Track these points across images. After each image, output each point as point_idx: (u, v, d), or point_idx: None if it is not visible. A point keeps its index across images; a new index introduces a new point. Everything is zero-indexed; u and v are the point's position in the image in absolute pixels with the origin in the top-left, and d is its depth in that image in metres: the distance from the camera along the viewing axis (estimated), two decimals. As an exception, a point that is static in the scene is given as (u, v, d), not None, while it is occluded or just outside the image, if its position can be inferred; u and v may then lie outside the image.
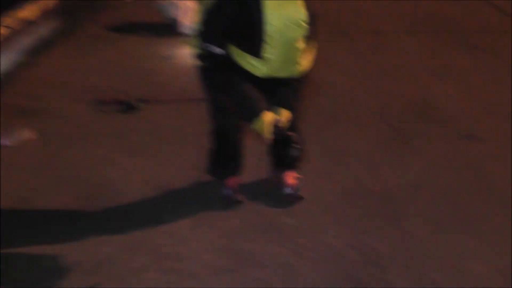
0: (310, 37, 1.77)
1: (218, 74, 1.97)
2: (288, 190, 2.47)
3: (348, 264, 2.14)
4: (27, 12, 5.28)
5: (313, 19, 1.88)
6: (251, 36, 1.67)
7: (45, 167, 2.83)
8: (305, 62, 1.79)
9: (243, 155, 2.47)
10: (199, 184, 2.65)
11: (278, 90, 2.05)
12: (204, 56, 1.95)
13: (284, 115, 2.02)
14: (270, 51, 1.69)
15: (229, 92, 2.01)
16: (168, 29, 4.78)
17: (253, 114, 1.95)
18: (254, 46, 1.70)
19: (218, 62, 1.87)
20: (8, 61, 4.31)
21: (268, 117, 1.95)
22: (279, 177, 2.50)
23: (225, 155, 2.39)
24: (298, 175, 2.52)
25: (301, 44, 1.69)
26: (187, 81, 3.82)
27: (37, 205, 2.53)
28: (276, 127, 1.95)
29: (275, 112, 2.01)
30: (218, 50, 1.81)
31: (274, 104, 2.04)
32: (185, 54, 4.35)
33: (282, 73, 1.79)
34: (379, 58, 4.24)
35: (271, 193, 2.54)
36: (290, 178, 2.47)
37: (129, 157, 2.90)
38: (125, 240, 2.26)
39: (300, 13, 1.66)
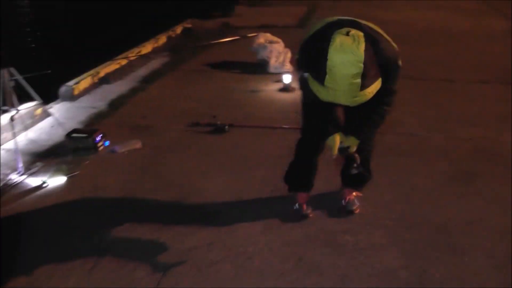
0: (372, 76, 1.93)
1: (306, 97, 2.21)
2: (343, 203, 2.65)
3: (400, 283, 2.16)
4: (144, 48, 6.04)
5: (388, 62, 2.07)
6: (319, 68, 1.90)
7: (146, 171, 3.21)
8: (365, 95, 1.94)
9: (315, 174, 2.64)
10: (271, 197, 2.84)
11: (356, 119, 2.28)
12: (300, 81, 2.21)
13: (353, 141, 2.20)
14: (329, 80, 1.89)
15: (313, 113, 2.30)
16: (258, 68, 5.16)
17: (327, 133, 2.21)
18: (319, 75, 1.90)
19: (306, 88, 2.10)
20: (126, 86, 4.96)
21: (336, 138, 2.17)
22: (342, 192, 2.65)
23: (302, 169, 2.59)
24: (358, 194, 2.63)
25: (357, 79, 1.86)
26: (268, 112, 4.12)
27: (136, 201, 2.88)
28: (342, 148, 2.13)
29: (346, 137, 2.19)
30: (306, 75, 2.07)
31: (350, 130, 2.26)
32: (270, 89, 4.68)
33: (341, 100, 1.98)
34: (450, 103, 4.19)
35: (336, 209, 2.66)
36: (350, 194, 2.63)
37: (215, 170, 3.19)
38: (205, 237, 2.50)
39: (357, 55, 1.84)
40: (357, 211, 2.64)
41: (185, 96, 4.59)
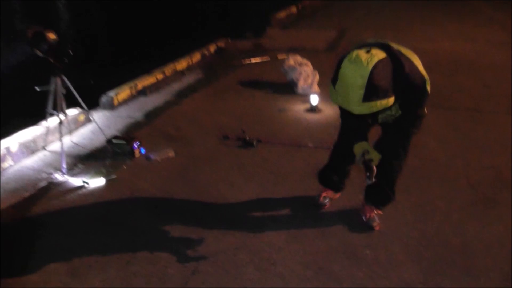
0: (379, 92, 2.11)
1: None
2: (364, 219, 2.81)
3: (417, 297, 2.26)
4: (179, 64, 6.36)
5: (412, 86, 2.25)
6: (335, 74, 2.22)
7: (178, 178, 3.43)
8: (370, 106, 2.12)
9: (344, 179, 2.93)
10: (295, 209, 3.00)
11: (384, 136, 2.57)
12: None
13: (375, 155, 2.36)
14: (339, 85, 2.19)
15: (344, 120, 2.62)
16: (287, 88, 5.37)
17: (354, 140, 2.47)
18: (334, 80, 2.24)
19: None
20: (161, 99, 5.25)
21: (360, 146, 2.44)
22: (363, 208, 2.81)
23: (333, 169, 2.90)
24: (379, 212, 2.76)
25: (360, 90, 2.06)
26: (295, 131, 4.30)
27: (168, 205, 3.09)
28: (365, 159, 2.39)
29: (372, 150, 2.43)
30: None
31: (376, 145, 2.51)
32: (297, 110, 4.87)
33: (345, 105, 2.23)
34: (475, 132, 4.26)
35: (357, 224, 2.79)
36: (371, 211, 2.78)
37: (243, 181, 3.37)
38: (231, 242, 2.67)
39: (363, 69, 2.06)
40: (377, 228, 2.77)
41: (217, 111, 4.83)
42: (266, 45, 7.93)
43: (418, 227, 2.82)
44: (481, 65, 6.50)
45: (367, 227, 2.77)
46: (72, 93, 3.67)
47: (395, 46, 2.31)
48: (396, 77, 2.15)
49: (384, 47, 2.23)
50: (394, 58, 2.19)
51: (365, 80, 2.05)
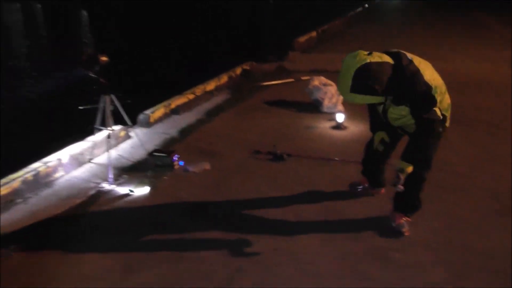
0: (367, 88, 2.46)
1: None
2: (393, 225, 3.02)
3: (446, 295, 2.43)
4: (208, 85, 6.73)
5: (414, 90, 2.56)
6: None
7: (214, 188, 3.69)
8: (354, 97, 2.50)
9: (378, 173, 3.37)
10: (328, 215, 3.23)
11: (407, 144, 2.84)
12: None
13: (403, 164, 2.69)
14: (339, 75, 2.59)
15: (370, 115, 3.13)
16: (312, 107, 5.64)
17: (373, 130, 3.08)
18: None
19: None
20: (193, 117, 5.58)
21: (378, 135, 3.00)
22: (393, 215, 3.03)
23: (366, 161, 3.37)
24: (407, 219, 2.96)
25: (348, 81, 2.44)
26: (322, 146, 4.54)
27: (207, 211, 3.34)
28: (397, 168, 2.69)
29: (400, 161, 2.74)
30: None
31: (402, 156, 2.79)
32: (323, 127, 5.12)
33: (340, 92, 2.72)
34: (494, 146, 4.43)
35: (387, 230, 2.99)
36: (399, 217, 3.00)
37: (276, 191, 3.62)
38: (270, 244, 2.90)
39: (352, 65, 2.43)
40: (407, 233, 2.96)
41: (246, 128, 5.12)
42: (289, 68, 8.28)
43: (445, 234, 3.00)
44: (498, 84, 6.68)
45: (397, 232, 2.96)
46: (123, 111, 4.01)
47: (409, 55, 2.61)
48: (394, 81, 2.43)
49: (396, 56, 2.53)
50: (399, 66, 2.49)
51: (351, 74, 2.40)
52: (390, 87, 2.44)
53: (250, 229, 3.07)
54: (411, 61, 2.58)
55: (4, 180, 3.50)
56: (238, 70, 7.80)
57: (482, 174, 3.84)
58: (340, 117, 5.04)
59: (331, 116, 5.26)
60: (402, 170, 2.64)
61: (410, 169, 2.66)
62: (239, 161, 4.22)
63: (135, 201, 3.50)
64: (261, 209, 3.34)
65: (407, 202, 2.96)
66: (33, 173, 3.67)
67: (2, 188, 3.41)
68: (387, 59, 2.48)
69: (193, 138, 4.89)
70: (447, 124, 2.81)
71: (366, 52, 2.47)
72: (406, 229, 2.97)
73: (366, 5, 25.34)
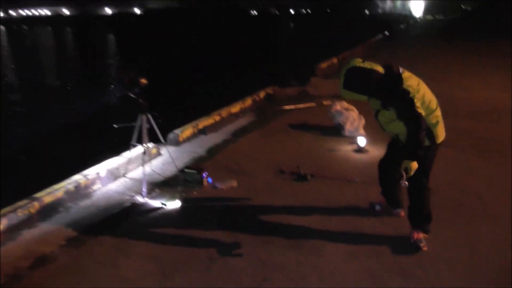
0: (356, 87, 2.91)
1: None
2: (412, 241, 3.20)
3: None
4: (233, 108, 7.03)
5: (389, 93, 2.90)
6: None
7: (242, 204, 3.90)
8: (345, 93, 2.91)
9: (393, 193, 3.54)
10: (351, 233, 3.38)
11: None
12: None
13: (406, 163, 2.88)
14: None
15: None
16: (334, 131, 5.85)
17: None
18: None
19: None
20: (220, 137, 5.85)
21: (404, 163, 2.95)
22: (411, 232, 3.22)
23: (381, 180, 3.57)
24: (424, 235, 3.12)
25: (342, 79, 2.89)
26: (344, 168, 4.72)
27: (235, 225, 3.54)
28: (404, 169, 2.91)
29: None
30: None
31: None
32: (345, 150, 5.31)
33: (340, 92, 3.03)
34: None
35: (408, 246, 3.14)
36: (417, 233, 3.20)
37: (300, 208, 3.81)
38: (294, 256, 3.07)
39: (346, 67, 2.92)
40: (425, 248, 3.10)
41: (270, 149, 5.35)
42: (311, 93, 8.56)
43: (464, 251, 3.12)
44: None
45: (415, 248, 3.10)
46: (157, 129, 4.30)
47: (401, 69, 2.99)
48: (378, 84, 2.87)
49: (387, 66, 2.95)
50: (387, 74, 2.90)
51: (344, 72, 2.88)
52: (373, 89, 2.90)
53: (276, 242, 3.25)
54: (399, 73, 2.96)
55: (48, 190, 3.81)
56: (262, 94, 8.11)
57: (504, 198, 3.94)
58: (361, 141, 5.22)
59: (352, 140, 5.45)
60: (407, 169, 2.85)
61: (414, 165, 2.85)
62: (264, 179, 4.43)
63: (167, 213, 3.74)
64: (286, 224, 3.52)
65: (418, 215, 3.17)
66: (74, 184, 3.97)
67: (46, 197, 3.71)
68: (377, 67, 2.90)
69: (220, 157, 5.15)
70: (438, 141, 3.05)
71: (361, 60, 2.94)
72: (424, 244, 3.13)
73: (387, 32, 25.78)
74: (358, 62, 2.90)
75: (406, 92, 2.87)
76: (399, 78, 2.92)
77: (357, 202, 3.86)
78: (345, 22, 48.24)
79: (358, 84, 2.88)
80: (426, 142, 2.92)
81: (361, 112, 5.99)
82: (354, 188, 4.22)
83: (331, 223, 3.54)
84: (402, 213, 3.54)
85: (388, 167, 3.41)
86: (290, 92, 8.61)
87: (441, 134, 3.05)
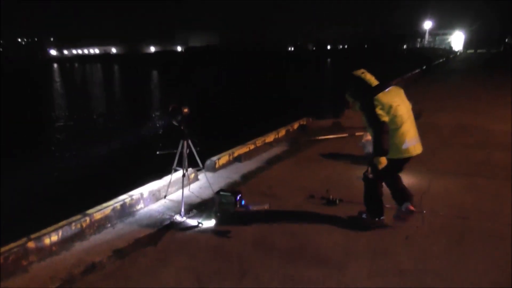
0: (350, 92, 3.79)
1: None
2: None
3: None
4: (267, 138, 7.37)
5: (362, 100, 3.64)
6: None
7: (273, 225, 4.14)
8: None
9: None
10: (374, 254, 3.53)
11: None
12: None
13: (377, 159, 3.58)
14: None
15: None
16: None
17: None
18: None
19: None
20: (254, 165, 6.17)
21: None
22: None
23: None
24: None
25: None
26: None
27: (266, 244, 3.77)
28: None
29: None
30: None
31: None
32: (375, 177, 5.46)
33: None
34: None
35: (430, 268, 3.24)
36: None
37: (329, 230, 4.00)
38: (321, 273, 3.26)
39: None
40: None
41: (302, 176, 5.60)
42: (343, 124, 8.79)
43: (491, 277, 3.19)
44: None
45: (442, 272, 3.20)
46: (196, 155, 4.69)
47: (391, 86, 3.65)
48: (357, 90, 3.65)
49: (382, 82, 3.66)
50: (377, 86, 3.58)
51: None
52: (353, 93, 3.71)
53: (303, 259, 3.46)
54: (381, 87, 3.60)
55: (98, 207, 4.23)
56: (296, 125, 8.44)
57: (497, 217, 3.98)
58: (391, 169, 5.36)
59: (382, 168, 5.60)
60: (376, 163, 3.53)
61: (383, 159, 3.49)
62: (295, 203, 4.67)
63: (203, 231, 4.04)
64: (313, 243, 3.72)
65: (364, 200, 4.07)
66: (121, 203, 4.38)
67: (96, 214, 4.13)
68: (370, 79, 3.64)
69: (254, 182, 5.45)
70: (404, 155, 3.66)
71: (362, 71, 3.68)
72: (365, 217, 4.07)
73: (425, 67, 25.72)
74: (357, 72, 3.66)
75: (371, 101, 3.48)
76: (376, 91, 3.54)
77: (383, 226, 4.00)
78: (382, 57, 48.46)
79: (348, 87, 3.68)
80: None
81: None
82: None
83: (356, 243, 3.71)
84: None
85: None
86: (324, 124, 8.88)
87: (405, 151, 3.64)
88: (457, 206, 4.47)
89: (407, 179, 5.16)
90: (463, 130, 8.13)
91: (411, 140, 3.63)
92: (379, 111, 3.44)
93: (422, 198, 4.66)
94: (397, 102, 3.56)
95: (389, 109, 3.48)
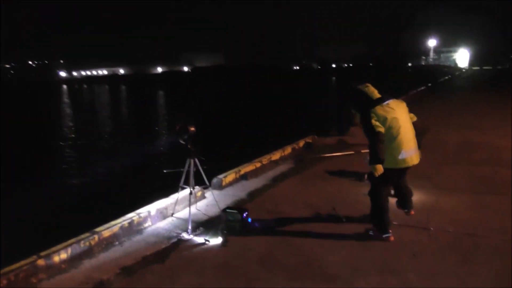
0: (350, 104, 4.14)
1: None
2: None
3: None
4: (273, 155, 7.41)
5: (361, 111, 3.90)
6: None
7: (280, 242, 4.15)
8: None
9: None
10: (381, 271, 3.52)
11: None
12: None
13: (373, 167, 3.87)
14: None
15: None
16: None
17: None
18: None
19: None
20: (260, 182, 6.21)
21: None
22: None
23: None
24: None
25: None
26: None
27: (274, 259, 3.78)
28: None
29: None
30: None
31: None
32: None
33: None
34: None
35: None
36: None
37: (334, 246, 4.00)
38: (330, 285, 3.25)
39: None
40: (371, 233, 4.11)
41: (308, 193, 5.62)
42: (349, 141, 8.82)
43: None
44: None
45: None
46: (203, 173, 4.75)
47: (390, 100, 3.90)
48: (357, 102, 3.93)
49: (383, 95, 3.93)
50: (377, 99, 3.85)
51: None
52: (354, 104, 4.01)
53: (310, 276, 3.46)
54: (381, 100, 3.87)
55: (107, 225, 4.27)
56: (301, 143, 8.48)
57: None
58: (397, 186, 5.37)
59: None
60: (373, 170, 3.81)
61: (379, 167, 3.76)
62: (301, 220, 4.68)
63: (210, 248, 4.06)
64: (320, 260, 3.72)
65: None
66: (128, 221, 4.42)
67: (105, 231, 4.17)
68: (373, 93, 3.93)
69: (260, 199, 5.47)
70: (400, 165, 3.92)
71: (366, 84, 3.97)
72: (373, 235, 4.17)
73: (430, 84, 25.82)
74: (361, 85, 3.94)
75: (368, 113, 3.75)
76: (374, 103, 3.80)
77: (390, 244, 4.00)
78: (387, 74, 48.73)
79: (350, 99, 3.98)
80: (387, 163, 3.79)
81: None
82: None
83: (363, 260, 3.70)
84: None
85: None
86: (329, 141, 8.92)
87: (401, 161, 3.88)
88: (464, 223, 4.45)
89: (414, 196, 5.17)
90: (469, 147, 8.13)
91: (407, 151, 3.86)
92: (374, 122, 3.71)
93: (429, 215, 4.65)
94: (393, 115, 3.80)
95: (384, 121, 3.74)
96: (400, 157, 3.85)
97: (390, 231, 4.05)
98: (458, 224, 4.41)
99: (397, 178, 4.18)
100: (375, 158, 3.72)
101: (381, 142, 3.67)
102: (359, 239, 4.15)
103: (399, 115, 3.84)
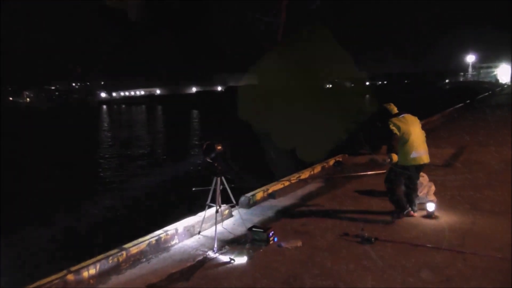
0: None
1: None
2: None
3: None
4: (302, 174, 7.34)
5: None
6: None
7: (305, 263, 4.08)
8: None
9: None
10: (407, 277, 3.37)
11: None
12: None
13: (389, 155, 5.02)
14: None
15: None
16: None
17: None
18: None
19: None
20: (288, 201, 6.16)
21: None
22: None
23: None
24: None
25: None
26: (410, 233, 4.70)
27: (296, 281, 3.71)
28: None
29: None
30: None
31: None
32: (413, 216, 5.28)
33: None
34: None
35: None
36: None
37: (361, 270, 3.89)
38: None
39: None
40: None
41: (336, 213, 5.51)
42: (380, 160, 8.61)
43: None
44: None
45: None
46: (230, 191, 4.78)
47: (404, 114, 5.18)
48: (382, 116, 5.15)
49: (400, 111, 5.17)
50: (395, 114, 5.12)
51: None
52: (382, 119, 5.12)
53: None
54: (398, 114, 5.14)
55: (135, 242, 4.36)
56: (331, 161, 8.38)
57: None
58: (430, 207, 5.18)
59: (422, 206, 5.41)
60: (389, 157, 4.92)
61: (394, 156, 4.91)
62: (328, 241, 4.59)
63: (235, 267, 4.04)
64: (347, 283, 3.62)
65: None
66: (156, 238, 4.49)
67: (133, 248, 4.25)
68: (394, 110, 5.15)
69: (287, 219, 5.42)
70: (412, 163, 5.05)
71: (390, 103, 5.22)
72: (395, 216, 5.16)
73: (468, 101, 24.96)
74: (386, 104, 5.17)
75: (389, 122, 5.02)
76: (393, 116, 5.09)
77: (421, 267, 3.84)
78: (423, 92, 47.63)
79: (379, 114, 5.12)
80: (398, 160, 4.98)
81: (430, 179, 5.96)
82: (420, 253, 4.19)
83: (392, 283, 3.57)
84: (411, 212, 5.19)
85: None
86: (360, 160, 8.76)
87: (412, 159, 5.05)
88: (502, 248, 4.21)
89: (448, 217, 4.98)
90: (508, 167, 7.74)
91: (418, 152, 5.07)
92: (392, 127, 5.06)
93: (465, 237, 4.44)
94: (406, 125, 5.08)
95: (399, 128, 5.05)
96: (411, 156, 5.07)
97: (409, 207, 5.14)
98: (495, 249, 4.18)
99: (413, 172, 5.20)
100: (391, 149, 5.01)
101: (395, 140, 5.00)
102: (388, 261, 4.01)
103: (410, 125, 5.13)
